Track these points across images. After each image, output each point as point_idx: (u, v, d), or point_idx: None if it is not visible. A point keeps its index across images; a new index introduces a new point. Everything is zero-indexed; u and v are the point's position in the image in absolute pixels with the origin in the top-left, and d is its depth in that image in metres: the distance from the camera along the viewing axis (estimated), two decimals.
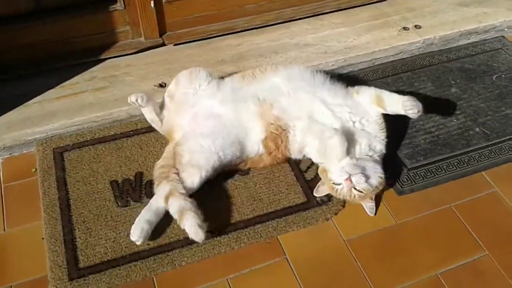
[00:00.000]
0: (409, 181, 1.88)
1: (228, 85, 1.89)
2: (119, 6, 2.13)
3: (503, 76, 2.35)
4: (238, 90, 1.86)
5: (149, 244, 1.64)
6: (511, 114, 2.15)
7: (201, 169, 1.70)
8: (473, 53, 2.48)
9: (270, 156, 1.83)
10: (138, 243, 1.60)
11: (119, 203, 1.76)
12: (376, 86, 2.20)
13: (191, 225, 1.56)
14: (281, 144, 1.80)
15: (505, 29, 2.61)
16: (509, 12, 2.61)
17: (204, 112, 1.81)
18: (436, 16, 2.57)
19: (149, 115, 1.91)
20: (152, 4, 2.14)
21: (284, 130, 1.79)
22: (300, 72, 1.89)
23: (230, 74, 2.11)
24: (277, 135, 1.79)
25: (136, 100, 1.84)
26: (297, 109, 1.80)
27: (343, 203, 1.79)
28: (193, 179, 1.69)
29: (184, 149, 1.75)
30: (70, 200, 1.76)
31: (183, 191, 1.64)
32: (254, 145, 1.81)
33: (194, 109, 1.83)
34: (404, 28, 2.48)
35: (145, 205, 1.68)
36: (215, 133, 1.75)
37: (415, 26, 2.49)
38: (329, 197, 1.81)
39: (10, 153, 1.94)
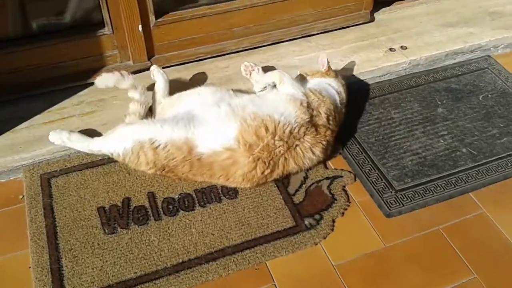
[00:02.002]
0: (397, 203, 1.89)
1: (215, 95, 2.00)
2: (107, 30, 2.14)
3: (489, 96, 2.37)
4: (219, 100, 1.96)
5: (136, 273, 1.63)
6: (498, 134, 2.17)
7: None
8: (459, 73, 2.51)
9: (249, 150, 1.81)
10: None
11: (106, 230, 1.74)
12: (363, 107, 2.26)
13: None
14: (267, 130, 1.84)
15: (491, 48, 2.65)
16: (494, 31, 2.65)
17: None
18: (422, 36, 2.60)
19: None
20: (140, 28, 2.15)
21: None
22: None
23: None
24: (258, 125, 1.83)
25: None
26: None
27: (332, 227, 1.80)
28: None
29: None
30: (57, 228, 1.75)
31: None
32: (223, 139, 1.83)
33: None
34: (390, 49, 2.50)
35: (132, 232, 1.67)
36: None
37: (401, 47, 2.52)
38: (317, 220, 1.81)
39: None
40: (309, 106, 1.91)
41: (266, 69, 2.27)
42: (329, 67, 2.12)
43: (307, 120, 1.87)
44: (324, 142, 1.92)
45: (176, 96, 2.03)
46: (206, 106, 1.93)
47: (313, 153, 1.90)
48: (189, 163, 1.82)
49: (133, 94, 2.02)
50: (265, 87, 2.05)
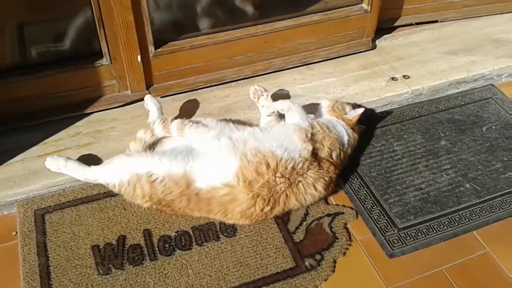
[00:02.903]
0: (400, 243, 1.84)
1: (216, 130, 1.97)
2: (105, 61, 2.11)
3: (493, 127, 2.33)
4: (220, 134, 1.93)
5: None
6: (502, 169, 2.13)
7: None
8: (463, 103, 2.47)
9: (249, 187, 1.77)
10: None
11: (100, 271, 1.70)
12: (365, 139, 2.21)
13: None
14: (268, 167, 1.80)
15: (494, 77, 2.61)
16: (497, 60, 2.62)
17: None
18: (424, 65, 2.57)
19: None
20: (139, 59, 2.12)
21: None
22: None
23: None
24: (259, 161, 1.79)
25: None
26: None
27: (333, 268, 1.75)
28: None
29: None
30: (51, 267, 1.70)
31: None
32: (222, 175, 1.79)
33: None
34: (393, 78, 2.47)
35: (127, 273, 1.63)
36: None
37: (404, 76, 2.48)
38: (318, 261, 1.76)
39: None
40: (313, 137, 1.88)
41: (273, 96, 2.24)
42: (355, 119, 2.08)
43: (311, 151, 1.83)
44: (326, 178, 1.88)
45: None
46: (206, 139, 1.89)
47: (315, 189, 1.86)
48: (186, 198, 1.78)
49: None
50: (273, 112, 2.05)
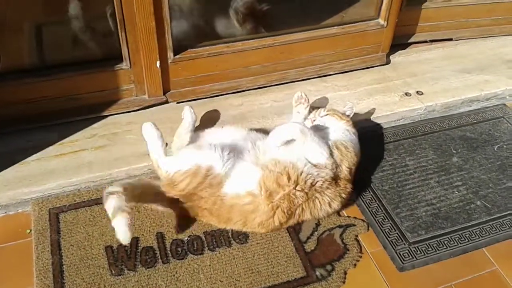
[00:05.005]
0: (410, 257, 1.85)
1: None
2: (124, 65, 2.14)
3: (505, 146, 2.35)
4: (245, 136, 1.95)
5: None
6: None
7: None
8: (475, 121, 2.49)
9: (270, 198, 1.77)
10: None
11: (113, 272, 1.71)
12: (377, 152, 2.23)
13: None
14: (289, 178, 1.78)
15: (507, 97, 2.63)
16: (510, 80, 2.64)
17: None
18: (438, 82, 2.59)
19: None
20: (158, 64, 2.15)
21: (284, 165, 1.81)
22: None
23: None
24: (279, 172, 1.79)
25: None
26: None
27: (343, 279, 1.76)
28: None
29: None
30: (64, 266, 1.72)
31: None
32: (246, 183, 1.78)
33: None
34: (406, 94, 2.49)
35: (139, 275, 1.65)
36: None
37: (417, 92, 2.51)
38: (328, 271, 1.77)
39: (5, 212, 1.90)
40: (333, 164, 1.87)
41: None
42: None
43: (331, 176, 1.85)
44: (343, 195, 1.90)
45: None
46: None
47: (330, 206, 1.87)
48: (214, 199, 1.79)
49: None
50: (304, 120, 2.11)
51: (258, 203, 1.77)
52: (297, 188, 1.78)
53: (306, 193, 1.80)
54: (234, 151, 1.85)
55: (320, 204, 1.85)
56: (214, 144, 1.82)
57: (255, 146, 1.89)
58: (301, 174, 1.79)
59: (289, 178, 1.77)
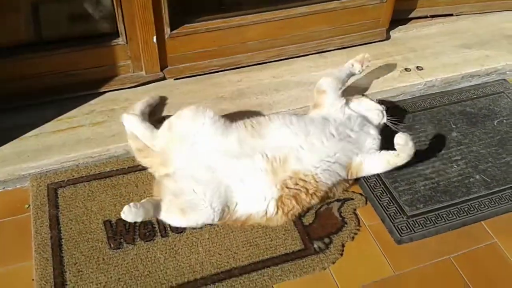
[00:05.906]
0: (408, 230, 1.85)
1: (234, 134, 1.81)
2: (121, 41, 2.12)
3: (505, 121, 2.33)
4: (244, 143, 1.78)
5: None
6: None
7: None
8: (475, 96, 2.47)
9: (287, 215, 1.79)
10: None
11: (112, 245, 1.72)
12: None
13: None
14: (307, 195, 1.79)
15: (507, 72, 2.61)
16: (510, 55, 2.61)
17: (203, 158, 1.77)
18: (438, 57, 2.57)
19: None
20: (154, 39, 2.13)
21: (305, 180, 1.78)
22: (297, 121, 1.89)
23: (229, 113, 2.11)
24: (299, 189, 1.78)
25: None
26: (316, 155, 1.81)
27: (341, 251, 1.76)
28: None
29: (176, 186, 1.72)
30: (62, 240, 1.72)
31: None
32: (261, 204, 1.76)
33: (193, 150, 1.79)
34: (406, 69, 2.47)
35: (138, 248, 1.65)
36: (209, 182, 1.71)
37: (417, 67, 2.49)
38: (326, 244, 1.78)
39: (4, 187, 1.91)
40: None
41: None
42: None
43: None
44: (347, 185, 1.97)
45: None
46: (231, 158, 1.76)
47: (334, 195, 1.94)
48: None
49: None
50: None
51: (273, 219, 1.79)
52: (314, 198, 1.83)
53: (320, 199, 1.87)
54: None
55: (328, 198, 1.93)
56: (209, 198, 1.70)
57: (268, 154, 1.77)
58: (318, 182, 1.81)
59: (306, 193, 1.79)
